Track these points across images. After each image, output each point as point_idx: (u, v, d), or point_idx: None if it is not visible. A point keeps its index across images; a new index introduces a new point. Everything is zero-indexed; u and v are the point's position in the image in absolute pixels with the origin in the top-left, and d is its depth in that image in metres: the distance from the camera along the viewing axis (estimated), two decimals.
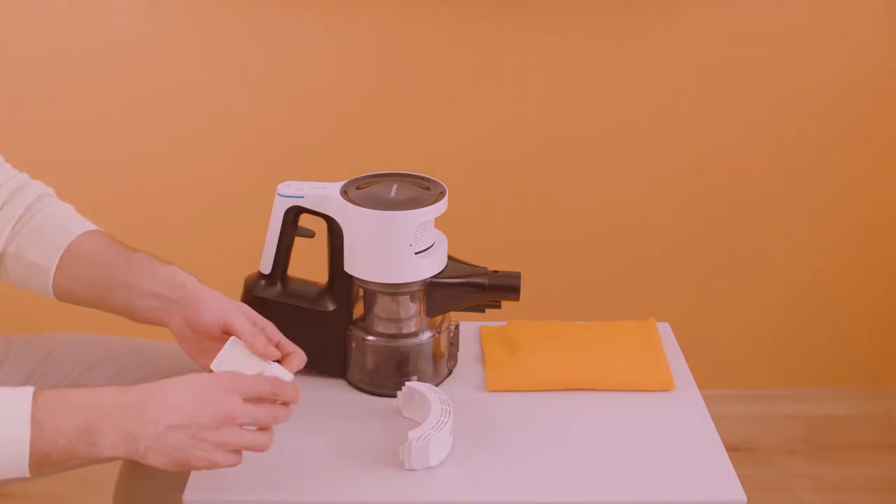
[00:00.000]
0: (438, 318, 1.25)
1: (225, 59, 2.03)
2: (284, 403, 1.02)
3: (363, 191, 1.20)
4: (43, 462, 0.92)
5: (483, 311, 1.25)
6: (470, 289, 1.23)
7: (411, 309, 1.22)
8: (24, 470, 0.91)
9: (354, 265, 1.20)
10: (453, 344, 1.29)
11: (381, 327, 1.23)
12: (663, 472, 1.09)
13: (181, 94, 2.04)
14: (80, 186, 2.00)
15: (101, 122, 2.05)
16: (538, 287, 2.20)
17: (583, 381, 1.24)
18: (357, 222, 1.17)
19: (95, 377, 1.27)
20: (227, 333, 1.10)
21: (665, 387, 1.24)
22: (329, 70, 2.03)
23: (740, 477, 1.08)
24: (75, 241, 1.18)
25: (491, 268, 1.24)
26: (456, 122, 2.08)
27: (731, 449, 1.12)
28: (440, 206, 1.18)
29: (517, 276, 1.23)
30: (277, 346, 1.12)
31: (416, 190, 1.21)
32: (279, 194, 1.22)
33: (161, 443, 0.93)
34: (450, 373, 1.28)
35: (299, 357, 1.12)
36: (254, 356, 1.08)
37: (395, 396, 1.22)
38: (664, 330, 1.38)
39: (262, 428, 0.99)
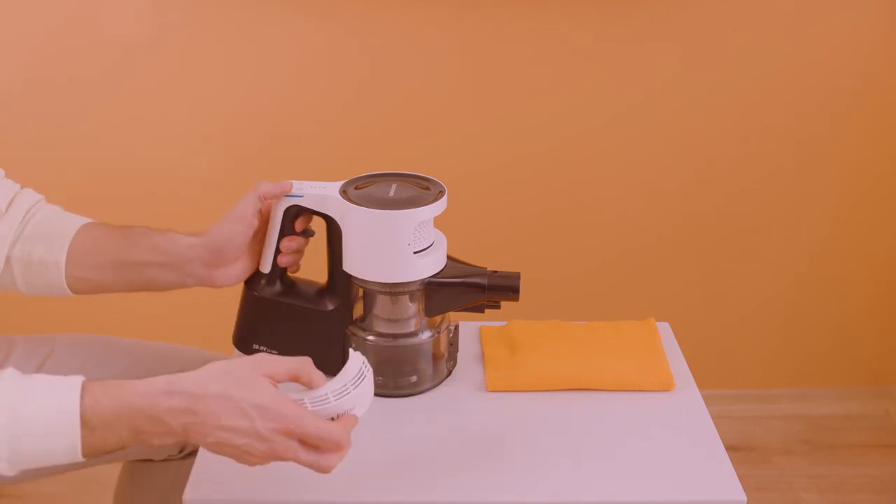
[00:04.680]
0: (438, 319, 1.25)
1: (224, 61, 2.03)
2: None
3: (362, 190, 1.20)
4: (97, 453, 0.93)
5: (482, 311, 1.25)
6: (469, 289, 1.22)
7: (410, 309, 1.22)
8: (78, 458, 0.92)
9: (353, 265, 1.20)
10: (453, 344, 1.28)
11: (380, 327, 1.23)
12: (663, 472, 1.09)
13: (181, 96, 2.04)
14: (80, 187, 2.01)
15: (101, 124, 2.05)
16: (538, 287, 2.20)
17: (583, 381, 1.24)
18: (356, 222, 1.17)
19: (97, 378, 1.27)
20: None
21: (665, 387, 1.24)
22: (330, 71, 2.03)
23: (740, 477, 1.08)
24: (78, 232, 1.21)
25: (491, 268, 1.24)
26: (456, 123, 2.08)
27: (731, 449, 1.12)
28: (439, 206, 1.18)
29: (517, 276, 1.22)
30: None
31: (415, 190, 1.21)
32: None
33: (211, 448, 0.96)
34: (449, 373, 1.27)
35: None
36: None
37: (395, 397, 1.22)
38: (664, 330, 1.38)
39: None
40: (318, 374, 1.01)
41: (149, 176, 2.09)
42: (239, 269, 1.21)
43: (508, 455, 1.12)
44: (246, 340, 1.27)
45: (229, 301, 1.31)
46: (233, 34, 2.00)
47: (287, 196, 1.21)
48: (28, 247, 1.20)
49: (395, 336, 1.23)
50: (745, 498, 1.05)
